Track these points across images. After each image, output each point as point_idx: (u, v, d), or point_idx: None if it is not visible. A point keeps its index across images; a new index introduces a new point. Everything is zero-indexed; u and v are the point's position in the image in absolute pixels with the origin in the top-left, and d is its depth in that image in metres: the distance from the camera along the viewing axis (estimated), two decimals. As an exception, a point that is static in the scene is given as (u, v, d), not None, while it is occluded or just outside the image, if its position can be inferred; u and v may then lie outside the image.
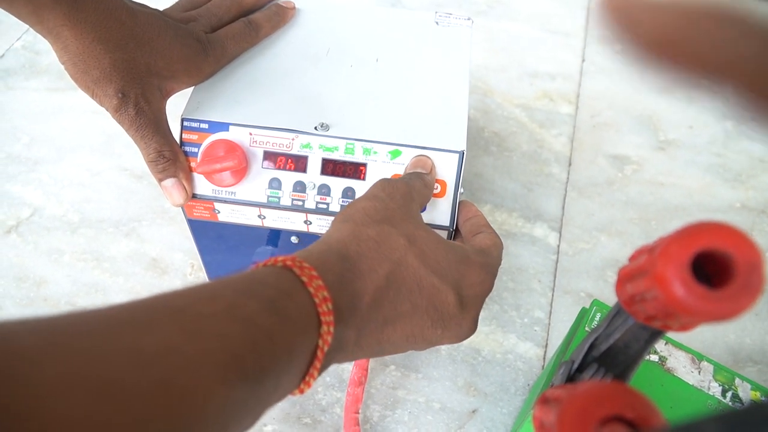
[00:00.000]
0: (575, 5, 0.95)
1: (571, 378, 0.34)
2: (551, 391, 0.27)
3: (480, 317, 0.41)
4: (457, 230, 0.49)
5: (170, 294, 0.29)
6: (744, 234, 0.22)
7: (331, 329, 0.32)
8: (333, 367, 0.57)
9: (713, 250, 0.22)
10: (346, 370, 0.57)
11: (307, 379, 0.33)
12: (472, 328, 0.41)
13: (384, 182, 0.42)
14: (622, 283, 0.28)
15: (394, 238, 0.38)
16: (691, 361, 0.42)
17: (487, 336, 0.60)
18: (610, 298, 0.62)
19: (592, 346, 0.34)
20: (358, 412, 0.53)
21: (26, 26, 0.43)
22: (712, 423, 0.16)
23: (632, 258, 0.28)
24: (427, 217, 0.48)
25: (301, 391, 0.33)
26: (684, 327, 0.27)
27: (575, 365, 0.34)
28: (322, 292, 0.32)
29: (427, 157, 0.47)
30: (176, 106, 0.49)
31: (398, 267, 0.37)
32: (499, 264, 0.43)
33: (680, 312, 0.23)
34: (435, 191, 0.48)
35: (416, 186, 0.44)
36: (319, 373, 0.33)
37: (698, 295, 0.22)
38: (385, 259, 0.37)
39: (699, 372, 0.42)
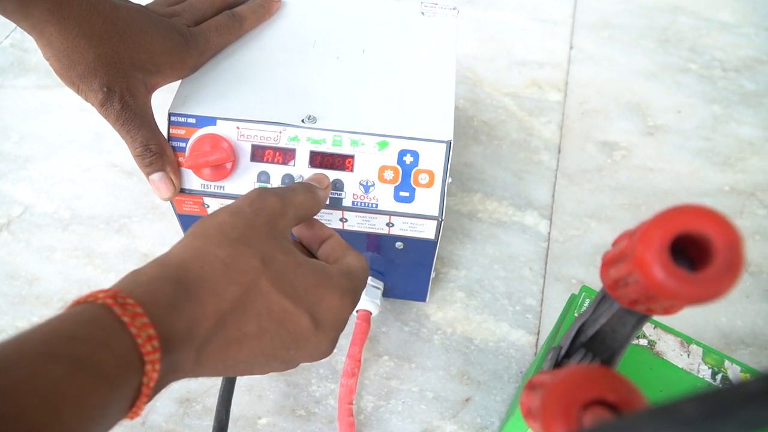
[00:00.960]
0: (563, -8, 0.95)
1: (558, 364, 0.34)
2: (537, 376, 0.27)
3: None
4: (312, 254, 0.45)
5: None
6: (722, 215, 0.23)
7: (157, 366, 0.30)
8: (326, 359, 0.57)
9: (692, 232, 0.22)
10: (339, 361, 0.58)
11: (134, 409, 0.31)
12: (330, 348, 0.39)
13: (256, 195, 0.39)
14: (605, 267, 0.29)
15: (247, 260, 0.35)
16: (680, 344, 0.43)
17: (479, 324, 0.60)
18: (600, 284, 0.63)
19: (579, 332, 0.34)
20: (351, 403, 0.54)
21: (14, 24, 0.42)
22: (691, 403, 0.16)
23: (615, 243, 0.28)
24: (415, 208, 0.48)
25: (131, 418, 0.31)
26: (667, 310, 0.27)
27: (563, 351, 0.34)
28: (147, 331, 0.30)
29: (326, 176, 0.47)
30: (164, 101, 0.49)
31: (247, 291, 0.35)
32: (364, 287, 0.42)
33: (661, 295, 0.23)
34: (423, 182, 0.48)
35: (297, 201, 0.41)
36: (150, 400, 0.31)
37: (678, 277, 0.22)
38: (233, 283, 0.34)
39: (688, 355, 0.42)
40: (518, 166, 0.73)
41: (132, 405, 0.30)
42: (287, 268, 0.36)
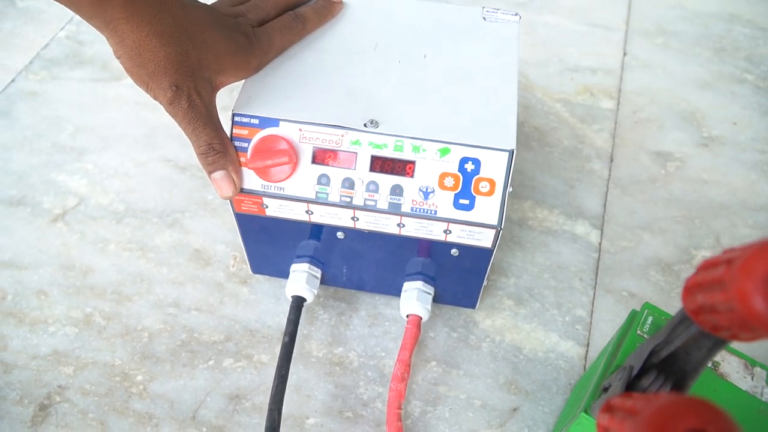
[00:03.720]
0: (617, -2, 0.93)
1: (630, 385, 0.34)
2: (617, 400, 0.27)
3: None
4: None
5: None
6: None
7: None
8: (374, 362, 0.57)
9: (797, 265, 0.22)
10: (387, 365, 0.58)
11: None
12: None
13: None
14: (690, 292, 0.28)
15: None
16: (744, 366, 0.42)
17: (528, 334, 0.60)
18: (653, 298, 0.62)
19: (652, 353, 0.33)
20: (401, 408, 0.54)
21: (69, 16, 0.43)
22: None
23: (702, 267, 0.28)
24: (474, 216, 0.48)
25: None
26: (754, 338, 0.26)
27: (635, 371, 0.33)
28: None
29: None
30: (226, 99, 0.50)
31: None
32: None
33: (759, 326, 0.22)
34: (484, 190, 0.48)
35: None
36: None
37: (781, 310, 0.22)
38: None
39: (752, 378, 0.42)
40: (569, 174, 0.72)
41: None
42: None
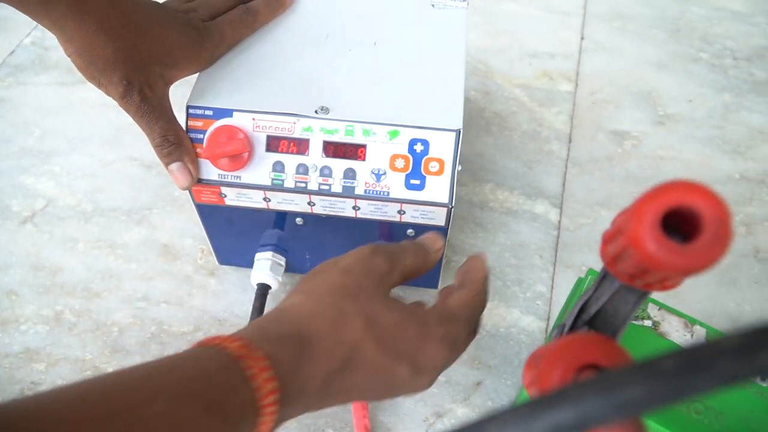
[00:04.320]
0: (574, -16, 0.95)
1: (562, 340, 0.35)
2: (538, 350, 0.28)
3: (458, 354, 0.41)
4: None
5: (112, 387, 0.29)
6: (710, 190, 0.24)
7: (271, 418, 0.33)
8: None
9: (681, 206, 0.23)
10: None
11: None
12: (427, 387, 0.40)
13: (367, 255, 0.40)
14: (605, 245, 0.30)
15: (353, 320, 0.37)
16: (684, 325, 0.44)
17: (490, 311, 0.62)
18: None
19: (582, 310, 0.35)
20: (365, 386, 0.55)
21: (35, 23, 0.44)
22: (670, 358, 0.18)
23: (614, 220, 0.29)
24: (425, 195, 0.50)
25: None
26: (663, 285, 0.28)
27: (566, 328, 0.35)
28: (269, 385, 0.32)
29: (441, 237, 0.46)
30: (183, 95, 0.51)
31: (352, 351, 0.36)
32: (471, 326, 0.42)
33: (653, 267, 0.24)
34: (433, 170, 0.49)
35: (407, 263, 0.42)
36: None
37: (668, 249, 0.23)
38: (341, 342, 0.36)
39: (692, 335, 0.43)
40: (529, 156, 0.74)
41: None
42: (390, 327, 0.38)
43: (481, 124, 0.77)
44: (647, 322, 0.43)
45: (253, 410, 0.32)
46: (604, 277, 0.34)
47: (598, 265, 0.64)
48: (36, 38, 0.87)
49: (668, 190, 0.23)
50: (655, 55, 0.86)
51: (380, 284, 0.39)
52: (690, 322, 0.44)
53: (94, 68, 0.46)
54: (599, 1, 0.93)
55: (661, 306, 0.44)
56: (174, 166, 0.49)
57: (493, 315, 0.61)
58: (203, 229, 0.58)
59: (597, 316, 0.35)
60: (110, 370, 0.57)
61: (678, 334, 0.43)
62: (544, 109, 0.79)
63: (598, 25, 0.90)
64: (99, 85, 0.47)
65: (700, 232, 0.23)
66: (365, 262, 0.40)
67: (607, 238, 0.29)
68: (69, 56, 0.46)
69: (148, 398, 0.29)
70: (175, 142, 0.48)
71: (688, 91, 0.82)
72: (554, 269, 0.65)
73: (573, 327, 0.35)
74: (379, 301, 0.38)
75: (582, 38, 0.88)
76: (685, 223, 0.25)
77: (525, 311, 0.62)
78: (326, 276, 0.39)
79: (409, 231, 0.54)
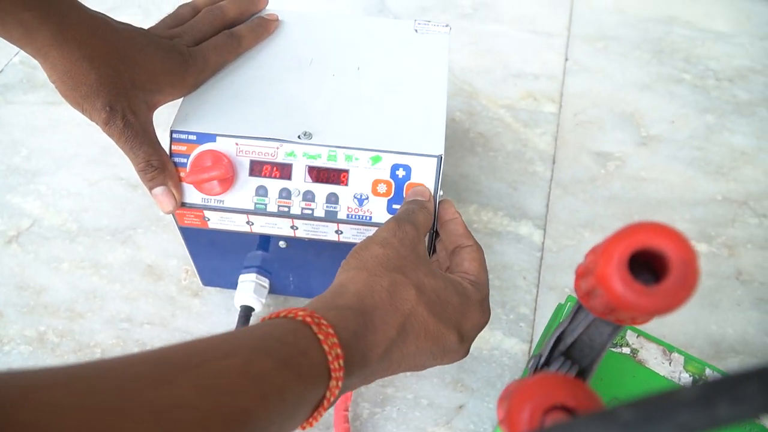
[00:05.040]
0: (558, 5, 0.96)
1: (538, 372, 0.36)
2: (511, 384, 0.29)
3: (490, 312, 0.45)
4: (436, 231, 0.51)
5: (192, 347, 0.31)
6: (677, 232, 0.24)
7: (340, 384, 0.35)
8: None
9: (649, 248, 0.24)
10: (337, 368, 0.59)
11: (311, 420, 0.35)
12: (467, 353, 0.44)
13: (395, 225, 0.44)
14: (578, 280, 0.30)
15: (406, 289, 0.40)
16: (663, 352, 0.44)
17: (473, 332, 0.62)
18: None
19: (558, 340, 0.35)
20: (347, 410, 0.55)
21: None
22: (629, 408, 0.18)
23: (586, 256, 0.30)
24: (408, 219, 0.50)
25: (303, 428, 0.35)
26: (634, 321, 0.29)
27: (542, 359, 0.35)
28: (336, 350, 0.34)
29: (425, 187, 0.50)
30: (169, 115, 0.51)
31: (408, 317, 0.39)
32: (488, 280, 0.46)
33: (620, 308, 0.24)
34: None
35: (420, 221, 0.46)
36: (325, 412, 0.36)
37: (635, 290, 0.24)
38: (397, 311, 0.39)
39: (670, 363, 0.44)
40: (513, 176, 0.75)
41: (311, 413, 0.35)
42: (437, 293, 0.41)
43: (466, 144, 0.78)
44: (626, 350, 0.44)
45: (324, 372, 0.34)
46: (579, 308, 0.34)
47: (580, 287, 0.65)
48: (24, 57, 0.87)
49: (635, 232, 0.24)
50: (638, 76, 0.87)
51: (415, 250, 0.43)
52: (668, 349, 0.44)
53: (78, 95, 0.46)
54: (583, 22, 0.94)
55: (640, 333, 0.45)
56: (158, 190, 0.49)
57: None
58: (187, 251, 0.58)
59: (573, 346, 0.35)
60: (93, 392, 0.57)
61: (656, 362, 0.44)
62: (529, 130, 0.80)
63: (582, 46, 0.91)
64: (83, 111, 0.47)
65: (666, 274, 0.24)
66: (396, 231, 0.43)
67: (580, 274, 0.29)
68: (53, 83, 0.46)
69: (226, 353, 0.31)
70: (159, 167, 0.49)
71: (671, 112, 0.83)
72: (537, 291, 0.65)
73: (549, 357, 0.36)
74: (421, 267, 0.42)
75: (566, 59, 0.89)
76: (656, 262, 0.25)
77: (508, 333, 0.62)
78: (370, 250, 0.42)
79: (392, 255, 0.54)
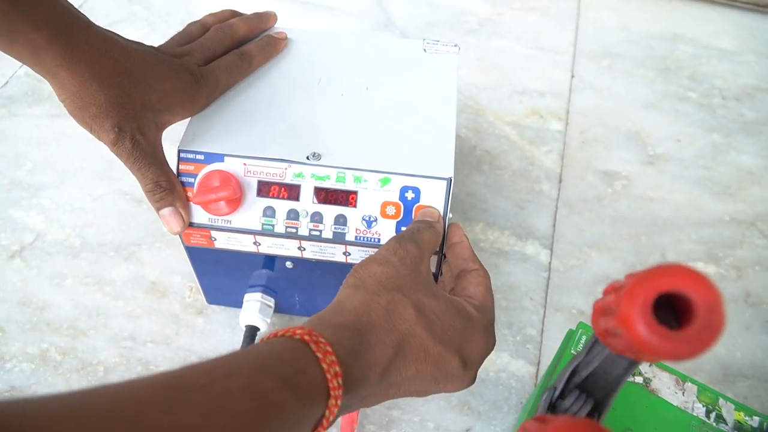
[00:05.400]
0: (564, 23, 0.96)
1: (553, 404, 0.35)
2: (529, 422, 0.28)
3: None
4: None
5: (197, 368, 0.30)
6: (703, 276, 0.24)
7: (339, 402, 0.34)
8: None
9: (675, 292, 0.23)
10: (342, 390, 0.58)
11: None
12: (473, 381, 0.42)
13: (396, 244, 0.43)
14: (596, 316, 0.30)
15: (404, 308, 0.39)
16: (676, 382, 0.44)
17: (480, 354, 0.61)
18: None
19: (573, 373, 0.35)
20: (354, 432, 0.55)
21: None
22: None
23: (606, 292, 0.29)
24: (417, 242, 0.50)
25: None
26: (653, 360, 0.28)
27: (557, 392, 0.35)
28: (334, 368, 0.34)
29: (434, 207, 0.49)
30: (174, 130, 0.51)
31: (406, 337, 0.38)
32: (493, 306, 0.45)
33: (644, 351, 0.24)
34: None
35: (425, 240, 0.45)
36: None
37: (660, 335, 0.23)
38: (395, 330, 0.38)
39: (683, 393, 0.43)
40: (520, 195, 0.74)
41: None
42: (438, 314, 0.40)
43: (472, 162, 0.77)
44: (638, 379, 0.43)
45: (322, 390, 0.33)
46: (595, 342, 0.33)
47: (587, 309, 0.65)
48: (29, 70, 0.87)
49: (661, 275, 0.23)
50: (643, 94, 0.87)
51: (416, 269, 0.42)
52: (681, 379, 0.44)
53: (86, 115, 0.45)
54: (589, 39, 0.94)
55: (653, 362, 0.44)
56: (165, 211, 0.49)
57: (482, 358, 0.61)
58: (192, 269, 0.58)
59: (588, 379, 0.35)
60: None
61: (669, 392, 0.43)
62: (535, 148, 0.79)
63: (588, 64, 0.91)
64: (91, 131, 0.47)
65: (691, 318, 0.23)
66: (397, 250, 0.43)
67: (599, 310, 0.29)
68: (62, 101, 0.46)
69: (228, 373, 0.30)
70: (167, 188, 0.48)
71: (677, 131, 0.83)
72: (545, 312, 0.65)
73: (564, 390, 0.35)
74: (422, 288, 0.41)
75: (572, 76, 0.88)
76: (677, 301, 0.25)
77: (515, 355, 0.62)
78: (369, 269, 0.41)
79: (400, 277, 0.54)
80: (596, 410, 0.35)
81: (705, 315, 0.23)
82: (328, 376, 0.34)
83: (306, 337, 0.34)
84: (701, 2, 1.02)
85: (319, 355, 0.34)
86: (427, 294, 0.41)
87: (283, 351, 0.34)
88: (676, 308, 0.26)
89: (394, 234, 0.50)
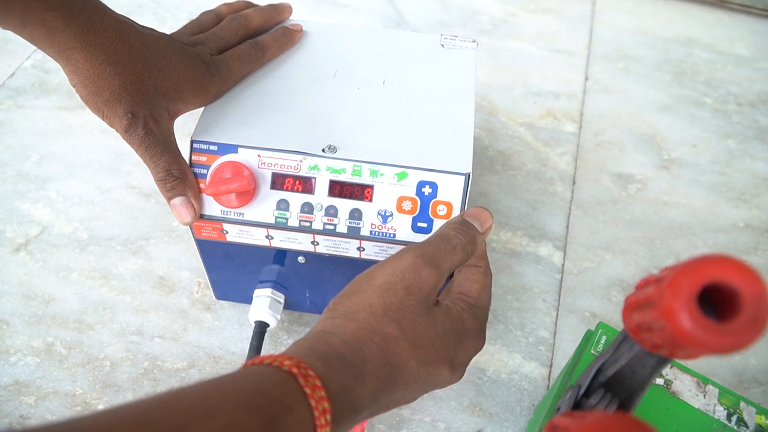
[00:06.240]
0: (578, 25, 0.96)
1: (577, 403, 0.34)
2: (559, 418, 0.27)
3: (486, 336, 0.42)
4: None
5: (174, 402, 0.29)
6: (750, 267, 0.23)
7: None
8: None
9: (720, 283, 0.22)
10: (351, 389, 0.57)
11: None
12: (461, 377, 0.41)
13: (410, 267, 0.39)
14: (628, 311, 0.29)
15: (398, 344, 0.37)
16: (697, 384, 0.43)
17: (492, 356, 0.60)
18: (614, 318, 0.63)
19: (598, 371, 0.34)
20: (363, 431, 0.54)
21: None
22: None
23: (639, 286, 0.28)
24: (433, 238, 0.49)
25: None
26: (690, 356, 0.27)
27: (582, 390, 0.34)
28: (323, 404, 0.33)
29: (488, 212, 0.45)
30: (188, 126, 0.50)
31: (399, 370, 0.37)
32: (489, 306, 0.43)
33: (687, 344, 0.23)
34: (441, 213, 0.48)
35: (454, 263, 0.41)
36: None
37: (705, 328, 0.22)
38: (387, 365, 0.37)
39: (704, 395, 0.42)
40: (533, 196, 0.73)
41: None
42: (433, 340, 0.38)
43: (485, 162, 0.76)
44: (659, 381, 0.42)
45: (309, 427, 0.32)
46: (623, 340, 0.32)
47: (600, 311, 0.64)
48: (36, 61, 0.86)
49: (706, 265, 0.22)
50: (658, 98, 0.86)
51: (425, 300, 0.39)
52: (703, 381, 0.43)
53: (99, 100, 0.45)
54: (604, 42, 0.93)
55: (673, 364, 0.43)
56: (177, 200, 0.48)
57: (494, 360, 0.60)
58: (202, 263, 0.57)
59: (614, 378, 0.34)
60: (101, 407, 0.55)
61: (690, 394, 0.42)
62: (549, 149, 0.78)
63: (602, 66, 0.90)
64: (103, 117, 0.46)
65: (738, 311, 0.22)
66: (407, 278, 0.39)
67: (632, 305, 0.28)
68: (74, 86, 0.45)
69: (211, 412, 0.29)
70: (179, 177, 0.47)
71: (693, 136, 0.82)
72: (557, 314, 0.64)
73: (589, 389, 0.34)
74: (422, 318, 0.38)
75: (586, 78, 0.88)
76: (718, 295, 0.24)
77: (527, 357, 0.61)
78: (364, 297, 0.39)
79: (414, 274, 0.53)
80: (621, 410, 0.34)
81: (752, 307, 0.22)
82: (316, 414, 0.32)
83: (294, 370, 0.33)
84: (715, 8, 1.01)
85: (308, 390, 0.32)
86: (426, 326, 0.38)
87: (269, 386, 0.32)
88: (713, 301, 0.25)
89: (409, 229, 0.49)
